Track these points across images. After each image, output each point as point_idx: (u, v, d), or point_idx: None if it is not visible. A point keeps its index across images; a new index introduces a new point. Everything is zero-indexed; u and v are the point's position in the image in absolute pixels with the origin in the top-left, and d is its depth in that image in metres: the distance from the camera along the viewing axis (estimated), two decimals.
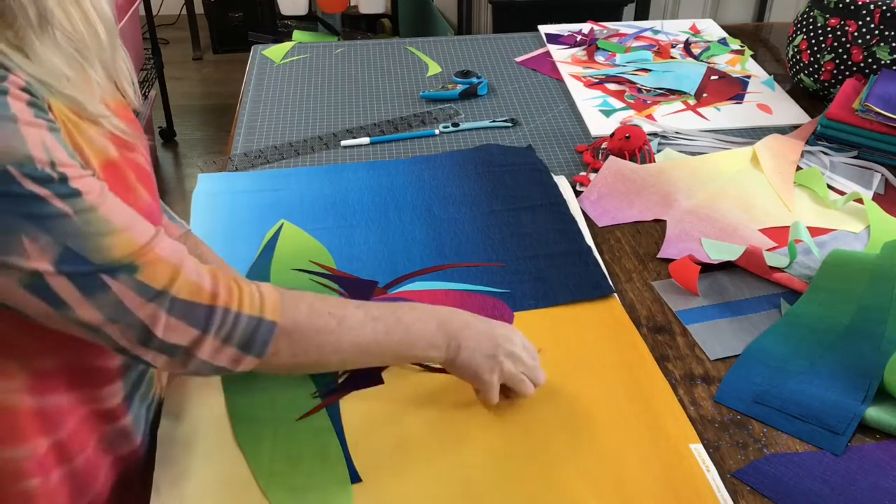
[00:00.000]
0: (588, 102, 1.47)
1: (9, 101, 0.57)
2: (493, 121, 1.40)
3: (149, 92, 2.96)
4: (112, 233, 0.62)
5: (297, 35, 3.17)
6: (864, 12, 1.37)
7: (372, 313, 0.77)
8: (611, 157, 1.24)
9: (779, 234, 1.11)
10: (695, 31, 1.78)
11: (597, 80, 1.55)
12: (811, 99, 1.50)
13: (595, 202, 1.18)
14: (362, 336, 0.76)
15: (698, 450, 0.79)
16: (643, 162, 1.25)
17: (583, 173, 1.25)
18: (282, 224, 1.09)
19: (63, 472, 0.73)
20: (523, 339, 0.83)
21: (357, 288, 1.00)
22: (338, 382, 0.86)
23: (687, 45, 1.70)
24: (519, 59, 1.67)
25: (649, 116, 1.42)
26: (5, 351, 0.68)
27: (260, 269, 1.02)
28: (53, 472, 0.73)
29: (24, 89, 0.59)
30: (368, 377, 0.86)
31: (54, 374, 0.71)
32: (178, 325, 0.66)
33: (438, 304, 0.93)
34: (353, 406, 0.83)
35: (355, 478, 0.76)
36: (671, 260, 1.05)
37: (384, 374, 0.87)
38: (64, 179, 0.60)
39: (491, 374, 0.80)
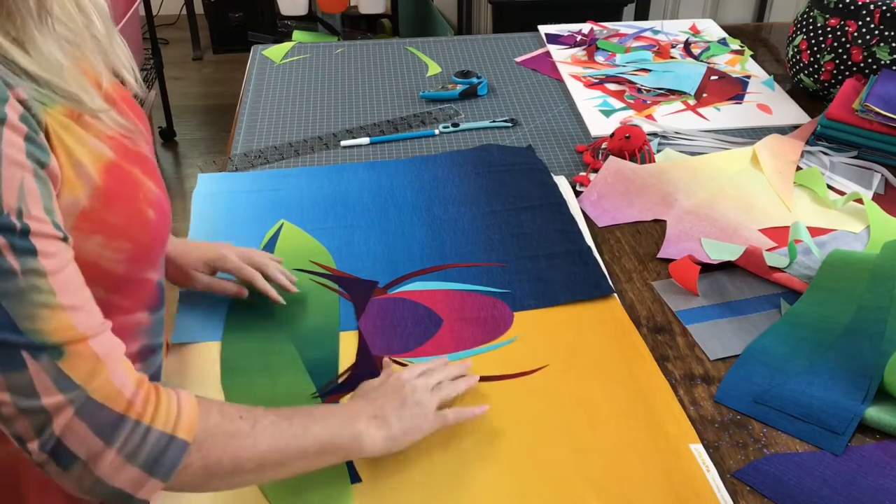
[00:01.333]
0: (588, 102, 1.47)
1: (3, 133, 0.55)
2: (493, 121, 1.40)
3: (149, 92, 2.96)
4: (53, 307, 0.57)
5: (297, 35, 3.17)
6: (864, 12, 1.37)
7: (283, 413, 0.70)
8: (611, 157, 1.24)
9: (779, 234, 1.11)
10: (695, 31, 1.78)
11: (597, 80, 1.55)
12: (811, 99, 1.50)
13: (595, 202, 1.18)
14: (280, 436, 0.67)
15: (698, 450, 0.79)
16: (643, 162, 1.25)
17: (583, 173, 1.25)
18: (282, 224, 1.09)
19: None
20: (417, 369, 0.81)
21: (357, 288, 1.00)
22: (338, 382, 0.86)
23: (687, 45, 1.70)
24: (519, 59, 1.67)
25: (649, 116, 1.42)
26: None
27: None
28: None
29: (24, 103, 0.57)
30: (369, 375, 0.86)
31: None
32: (81, 428, 0.58)
33: (438, 304, 0.93)
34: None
35: (355, 478, 0.76)
36: (671, 260, 1.05)
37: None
38: (25, 232, 0.55)
39: (428, 420, 0.77)
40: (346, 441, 0.71)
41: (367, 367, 0.89)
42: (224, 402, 0.72)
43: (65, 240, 0.59)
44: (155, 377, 0.79)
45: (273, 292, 0.95)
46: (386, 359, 0.88)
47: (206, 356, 0.90)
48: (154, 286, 0.75)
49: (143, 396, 0.61)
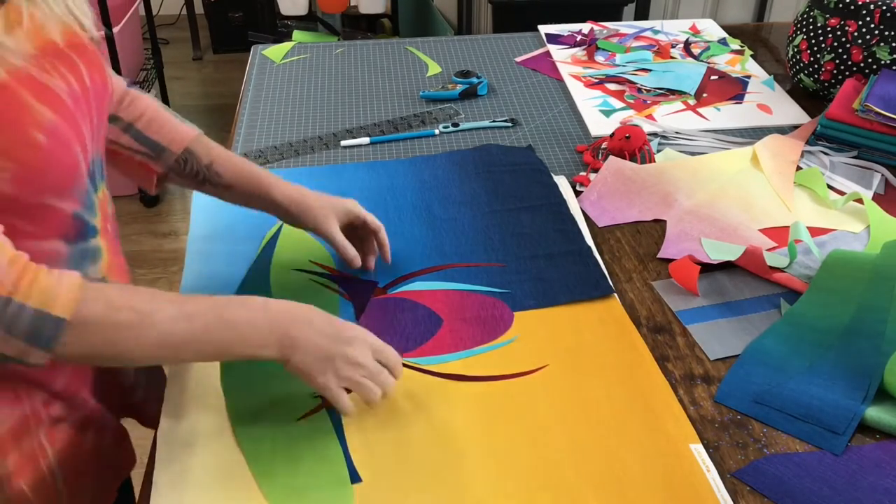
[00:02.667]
0: (588, 102, 1.47)
1: None
2: (493, 121, 1.40)
3: (149, 92, 2.97)
4: None
5: (297, 35, 3.17)
6: (864, 12, 1.37)
7: (187, 310, 0.72)
8: (611, 157, 1.24)
9: (779, 234, 1.11)
10: (695, 31, 1.78)
11: (597, 80, 1.55)
12: (811, 99, 1.50)
13: (595, 202, 1.18)
14: (171, 334, 0.71)
15: (698, 450, 0.79)
16: (643, 162, 1.25)
17: (583, 173, 1.25)
18: (282, 224, 1.09)
19: None
20: (375, 342, 0.80)
21: (357, 288, 1.00)
22: None
23: (687, 45, 1.70)
24: (519, 59, 1.67)
25: (649, 116, 1.42)
26: None
27: (260, 269, 1.02)
28: None
29: None
30: None
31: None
32: None
33: (438, 304, 0.93)
34: (353, 406, 0.83)
35: (355, 478, 0.76)
36: (671, 260, 1.05)
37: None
38: None
39: (324, 378, 0.76)
40: (247, 352, 0.75)
41: None
42: (123, 288, 0.72)
43: None
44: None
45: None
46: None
47: None
48: (67, 216, 0.77)
49: (15, 275, 0.66)
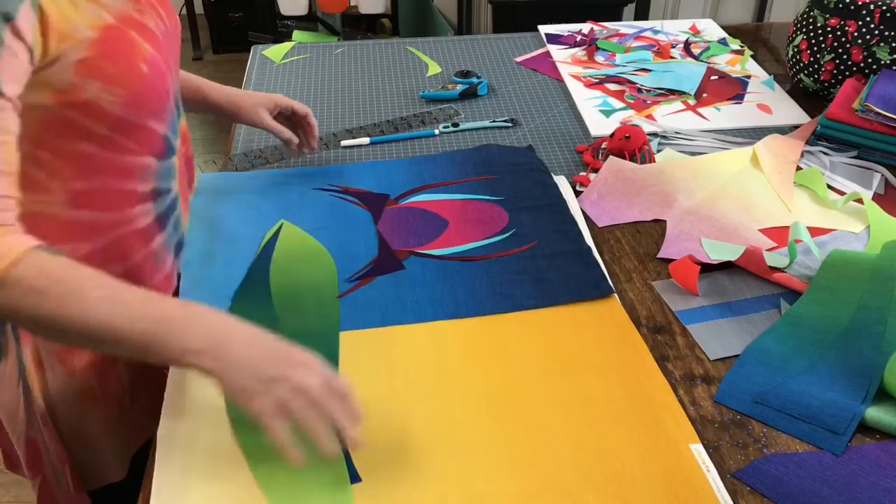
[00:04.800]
0: (588, 102, 1.47)
1: None
2: (493, 121, 1.40)
3: None
4: None
5: (297, 35, 3.17)
6: (864, 12, 1.37)
7: (120, 295, 0.70)
8: (611, 157, 1.24)
9: (779, 234, 1.11)
10: (695, 31, 1.78)
11: (597, 80, 1.55)
12: (811, 99, 1.50)
13: (595, 202, 1.18)
14: (91, 314, 0.69)
15: (698, 450, 0.79)
16: (643, 162, 1.25)
17: (583, 173, 1.25)
18: (281, 224, 1.09)
19: (108, 271, 0.74)
20: (329, 372, 0.71)
21: (372, 200, 1.15)
22: (364, 271, 1.00)
23: (687, 45, 1.70)
24: (519, 59, 1.67)
25: (649, 116, 1.42)
26: (46, 172, 0.82)
27: (260, 269, 1.02)
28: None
29: None
30: (391, 265, 1.01)
31: (89, 193, 0.86)
32: None
33: (444, 210, 1.12)
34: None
35: (355, 478, 0.76)
36: (671, 260, 1.05)
37: (385, 368, 0.87)
38: None
39: (259, 402, 0.68)
40: (172, 355, 0.71)
41: (388, 259, 1.04)
42: (72, 264, 0.71)
43: None
44: (164, 217, 0.96)
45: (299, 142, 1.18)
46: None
47: None
48: (159, 136, 0.91)
49: None
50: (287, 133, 1.15)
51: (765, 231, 1.12)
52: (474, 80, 1.49)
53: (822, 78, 1.45)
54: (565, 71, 1.59)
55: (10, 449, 1.01)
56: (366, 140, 1.34)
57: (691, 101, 1.47)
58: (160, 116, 0.90)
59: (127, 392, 0.98)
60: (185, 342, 0.69)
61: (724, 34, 1.76)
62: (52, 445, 0.94)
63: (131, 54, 0.82)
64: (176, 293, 1.00)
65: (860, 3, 1.37)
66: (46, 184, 0.83)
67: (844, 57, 1.40)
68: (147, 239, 0.94)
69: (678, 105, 1.46)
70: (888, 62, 1.37)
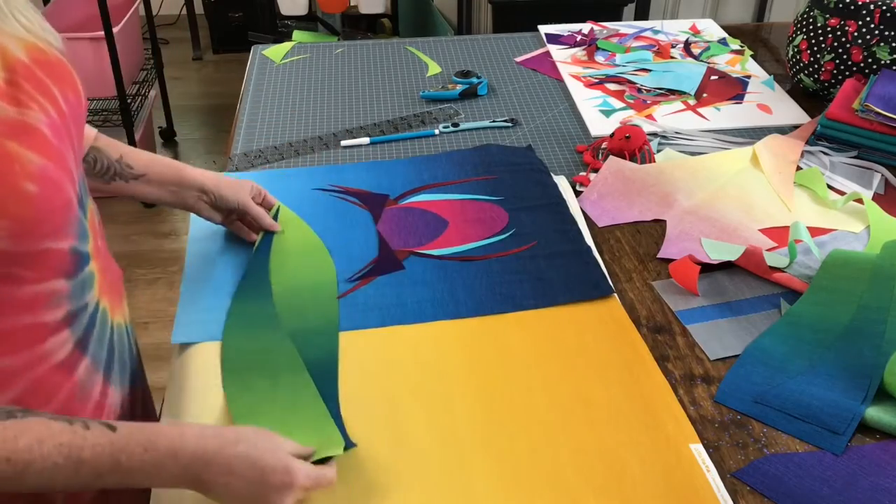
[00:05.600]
0: (588, 102, 1.47)
1: None
2: (493, 121, 1.40)
3: (149, 92, 2.97)
4: None
5: (297, 35, 3.17)
6: (864, 12, 1.37)
7: (80, 456, 0.65)
8: (611, 157, 1.24)
9: (779, 234, 1.11)
10: (695, 31, 1.78)
11: (597, 80, 1.55)
12: (811, 99, 1.50)
13: (595, 202, 1.18)
14: (57, 480, 0.65)
15: (698, 450, 0.79)
16: (643, 162, 1.25)
17: (583, 173, 1.25)
18: (278, 207, 1.10)
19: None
20: (309, 478, 0.71)
21: (371, 200, 1.15)
22: (364, 272, 1.01)
23: (687, 45, 1.70)
24: (519, 59, 1.67)
25: (649, 116, 1.42)
26: None
27: (259, 266, 1.02)
28: None
29: None
30: (391, 266, 1.01)
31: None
32: None
33: (443, 210, 1.11)
34: (353, 409, 0.83)
35: (350, 443, 0.78)
36: (671, 260, 1.05)
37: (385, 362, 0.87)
38: None
39: None
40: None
41: (388, 259, 1.04)
42: (19, 430, 0.64)
43: None
44: (84, 339, 0.78)
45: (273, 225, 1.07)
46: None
47: (206, 356, 0.90)
48: (64, 253, 0.74)
49: None
50: (268, 220, 1.06)
51: (765, 231, 1.12)
52: (474, 80, 1.49)
53: (822, 78, 1.45)
54: (565, 71, 1.59)
55: None
56: (366, 140, 1.34)
57: (691, 101, 1.47)
58: (60, 234, 0.73)
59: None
60: (164, 484, 0.69)
61: (724, 34, 1.76)
62: None
63: (10, 175, 0.65)
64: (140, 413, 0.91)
65: (860, 3, 1.37)
66: None
67: (844, 57, 1.40)
68: (69, 371, 0.77)
69: (678, 105, 1.46)
70: (888, 62, 1.37)
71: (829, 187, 1.21)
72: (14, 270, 0.69)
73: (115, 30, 2.51)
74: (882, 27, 1.36)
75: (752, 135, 1.37)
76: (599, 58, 1.65)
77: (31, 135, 0.67)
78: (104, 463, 0.65)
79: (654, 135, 1.35)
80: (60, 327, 0.75)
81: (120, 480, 0.66)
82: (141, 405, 0.93)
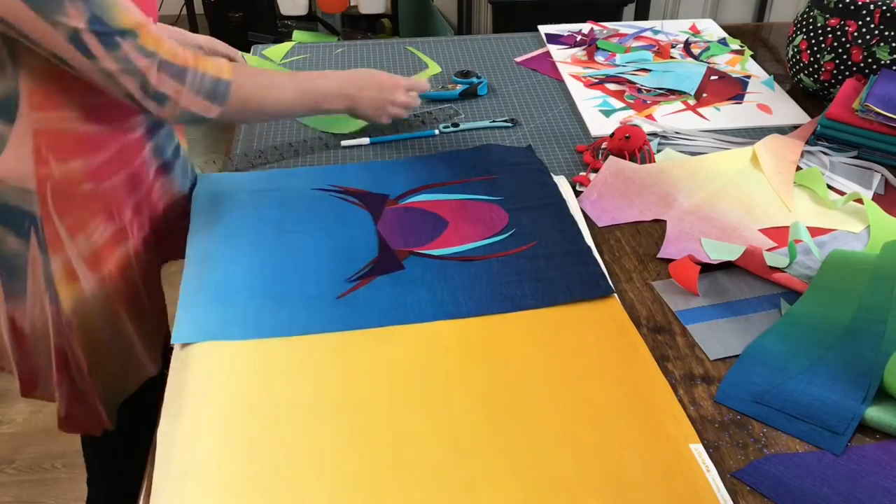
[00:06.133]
0: (588, 102, 1.47)
1: None
2: (493, 121, 1.40)
3: None
4: (120, 8, 0.89)
5: (297, 35, 3.17)
6: (864, 12, 1.37)
7: (296, 80, 1.10)
8: (611, 157, 1.24)
9: (779, 234, 1.11)
10: (695, 31, 1.78)
11: (597, 80, 1.55)
12: (811, 99, 1.50)
13: (595, 202, 1.18)
14: (286, 93, 1.08)
15: (698, 450, 0.79)
16: (643, 162, 1.25)
17: (583, 173, 1.25)
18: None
19: (118, 177, 1.06)
20: (408, 83, 1.23)
21: (371, 201, 1.16)
22: (365, 271, 1.02)
23: (687, 45, 1.70)
24: (519, 59, 1.67)
25: (649, 116, 1.42)
26: (68, 91, 0.95)
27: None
28: (108, 179, 1.04)
29: None
30: (391, 266, 1.03)
31: (99, 107, 0.99)
32: (164, 78, 0.94)
33: (443, 210, 1.14)
34: (353, 410, 0.84)
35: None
36: (671, 260, 1.05)
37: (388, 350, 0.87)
38: None
39: (379, 118, 1.21)
40: (329, 106, 1.15)
41: (388, 259, 1.04)
42: (260, 70, 1.10)
43: None
44: (153, 129, 1.12)
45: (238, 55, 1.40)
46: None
47: (206, 356, 0.90)
48: None
49: (194, 56, 0.97)
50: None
51: (765, 231, 1.12)
52: (474, 80, 1.49)
53: (822, 78, 1.45)
54: (565, 71, 1.59)
55: (27, 372, 1.10)
56: (366, 140, 1.34)
57: (691, 101, 1.47)
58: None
59: (143, 292, 1.15)
60: (331, 102, 1.15)
61: (724, 34, 1.76)
62: (80, 358, 1.07)
63: None
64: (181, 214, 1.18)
65: (860, 3, 1.37)
66: (66, 101, 0.96)
67: (844, 57, 1.40)
68: (140, 147, 1.08)
69: (678, 105, 1.46)
70: (888, 62, 1.37)
71: (829, 187, 1.21)
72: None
73: None
74: (882, 27, 1.36)
75: (752, 135, 1.37)
76: (599, 58, 1.65)
77: None
78: (306, 84, 1.12)
79: (654, 135, 1.35)
80: (137, 111, 1.03)
81: (313, 99, 1.13)
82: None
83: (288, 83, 1.08)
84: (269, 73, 1.09)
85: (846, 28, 1.38)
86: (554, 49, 1.69)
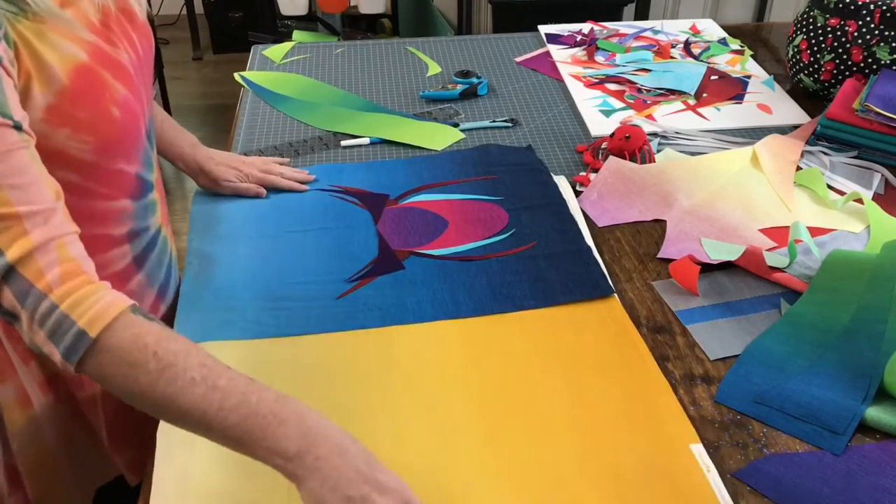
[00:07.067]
0: (588, 102, 1.47)
1: None
2: (493, 121, 1.40)
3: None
4: None
5: (297, 35, 3.17)
6: (864, 12, 1.37)
7: (216, 381, 0.67)
8: (611, 157, 1.24)
9: (779, 234, 1.11)
10: (695, 31, 1.78)
11: (597, 80, 1.55)
12: (811, 99, 1.50)
13: (595, 202, 1.18)
14: (184, 396, 0.66)
15: (698, 450, 0.79)
16: (643, 162, 1.25)
17: (583, 173, 1.25)
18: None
19: None
20: (411, 498, 0.67)
21: (371, 200, 1.15)
22: (364, 271, 1.01)
23: (687, 45, 1.70)
24: (519, 59, 1.67)
25: (649, 116, 1.42)
26: None
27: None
28: None
29: None
30: (392, 266, 1.02)
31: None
32: (5, 291, 0.67)
33: (443, 210, 1.12)
34: (353, 410, 0.84)
35: None
36: (671, 260, 1.05)
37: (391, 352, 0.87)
38: None
39: None
40: (258, 453, 0.66)
41: (388, 259, 1.04)
42: (162, 334, 0.68)
43: (16, 127, 0.68)
44: (142, 257, 0.93)
45: (296, 185, 1.19)
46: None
47: None
48: (132, 177, 0.88)
49: (60, 276, 0.67)
50: (253, 190, 1.17)
51: (765, 231, 1.12)
52: (474, 80, 1.49)
53: (822, 78, 1.45)
54: (565, 71, 1.59)
55: None
56: (366, 140, 1.34)
57: (691, 101, 1.47)
58: (131, 158, 0.87)
59: (103, 426, 0.95)
60: (276, 445, 0.65)
61: (724, 34, 1.76)
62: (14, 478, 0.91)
63: (102, 99, 0.78)
64: (171, 316, 0.97)
65: (860, 3, 1.37)
66: None
67: (844, 57, 1.40)
68: (124, 281, 0.90)
69: (678, 105, 1.46)
70: (888, 62, 1.37)
71: (829, 187, 1.21)
72: (92, 185, 0.82)
73: None
74: (882, 27, 1.36)
75: (752, 135, 1.37)
76: (599, 58, 1.65)
77: (119, 69, 0.81)
78: (235, 396, 0.66)
79: (654, 135, 1.35)
80: (122, 241, 0.89)
81: (239, 422, 0.66)
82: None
83: (195, 379, 0.67)
84: (171, 351, 0.68)
85: (846, 28, 1.38)
86: (554, 49, 1.69)
